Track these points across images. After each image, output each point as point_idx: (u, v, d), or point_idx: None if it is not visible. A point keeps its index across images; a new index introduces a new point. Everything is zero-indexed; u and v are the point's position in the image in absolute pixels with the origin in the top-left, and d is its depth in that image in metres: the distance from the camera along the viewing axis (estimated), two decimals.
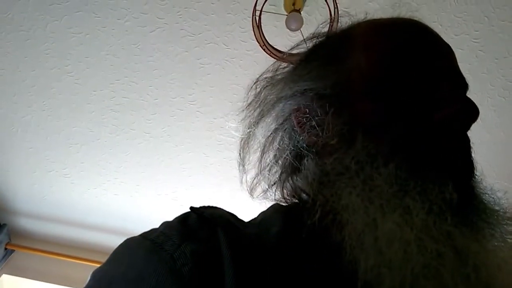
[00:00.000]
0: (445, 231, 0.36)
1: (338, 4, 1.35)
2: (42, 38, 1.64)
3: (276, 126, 0.51)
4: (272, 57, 1.43)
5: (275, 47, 1.44)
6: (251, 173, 0.53)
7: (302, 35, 1.47)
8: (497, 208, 0.42)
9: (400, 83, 0.44)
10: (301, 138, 0.47)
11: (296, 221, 0.41)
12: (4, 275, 2.43)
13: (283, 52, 1.42)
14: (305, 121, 0.47)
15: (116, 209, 2.39)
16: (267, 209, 0.48)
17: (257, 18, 1.39)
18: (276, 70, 0.54)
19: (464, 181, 0.41)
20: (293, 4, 1.42)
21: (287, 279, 0.36)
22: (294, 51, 0.58)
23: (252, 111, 0.53)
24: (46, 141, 2.05)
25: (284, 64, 0.54)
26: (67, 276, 2.44)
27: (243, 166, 0.54)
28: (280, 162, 0.50)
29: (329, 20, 1.38)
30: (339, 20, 1.42)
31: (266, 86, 0.53)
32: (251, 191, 0.53)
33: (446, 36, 1.55)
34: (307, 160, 0.46)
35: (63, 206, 2.40)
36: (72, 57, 1.70)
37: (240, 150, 0.54)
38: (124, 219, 2.44)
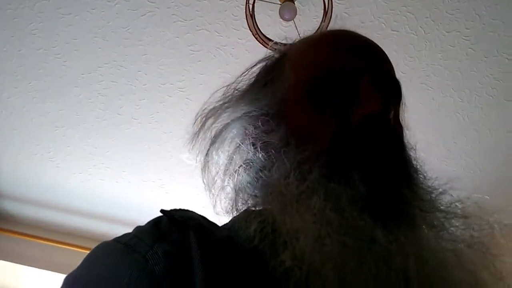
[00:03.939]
0: (354, 225, 0.38)
1: None
2: (30, 18, 1.60)
3: (227, 149, 0.55)
4: (264, 46, 1.42)
5: (267, 36, 1.43)
6: (216, 195, 0.56)
7: (295, 25, 1.46)
8: (426, 197, 0.44)
9: (322, 90, 0.48)
10: (246, 157, 0.52)
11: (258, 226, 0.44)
12: None
13: (276, 41, 1.41)
14: (249, 142, 0.52)
15: (101, 194, 2.38)
16: (239, 214, 0.51)
17: (250, 6, 1.38)
18: (222, 98, 0.58)
19: (380, 175, 0.43)
20: None
21: (252, 280, 0.38)
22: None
23: (204, 139, 0.57)
24: (31, 123, 2.02)
25: (229, 92, 0.58)
26: (50, 260, 2.43)
27: (210, 190, 0.57)
28: (235, 181, 0.54)
29: (322, 11, 1.38)
30: (333, 11, 1.42)
31: (213, 114, 0.57)
32: (225, 212, 0.55)
33: (438, 33, 1.57)
34: (252, 176, 0.50)
35: (48, 190, 2.38)
36: (60, 38, 1.67)
37: (203, 178, 0.57)
38: (109, 204, 2.43)
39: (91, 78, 1.81)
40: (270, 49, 0.63)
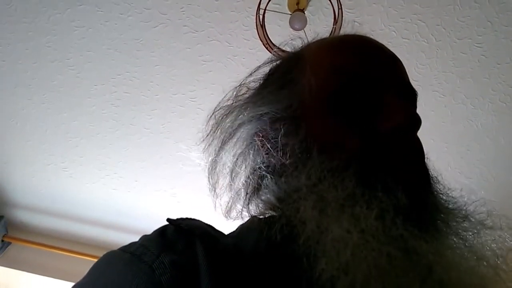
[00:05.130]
0: (397, 234, 0.37)
1: (342, 5, 1.35)
2: (44, 31, 1.63)
3: (240, 151, 0.54)
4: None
5: (278, 46, 1.44)
6: (224, 197, 0.55)
7: (306, 35, 1.47)
8: (452, 206, 0.44)
9: (348, 98, 0.47)
10: (260, 159, 0.51)
11: (269, 233, 0.43)
12: (0, 267, 2.43)
13: (286, 51, 1.42)
14: (264, 144, 0.50)
15: (114, 204, 2.39)
16: (245, 222, 0.51)
17: (260, 16, 1.39)
18: (234, 98, 0.57)
19: (415, 185, 0.43)
20: (297, 4, 1.42)
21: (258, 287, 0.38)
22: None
23: (214, 139, 0.56)
24: (46, 134, 2.05)
25: (242, 91, 0.57)
26: (64, 269, 2.44)
27: (215, 191, 0.56)
28: (248, 183, 0.53)
29: (333, 20, 1.38)
30: (343, 21, 1.42)
31: (225, 114, 0.56)
32: (226, 214, 0.55)
33: (449, 40, 1.56)
34: (269, 180, 0.49)
35: (61, 200, 2.40)
36: (74, 51, 1.70)
37: (208, 177, 0.56)
38: (122, 214, 2.45)
39: (104, 89, 1.83)
40: (275, 55, 0.62)
